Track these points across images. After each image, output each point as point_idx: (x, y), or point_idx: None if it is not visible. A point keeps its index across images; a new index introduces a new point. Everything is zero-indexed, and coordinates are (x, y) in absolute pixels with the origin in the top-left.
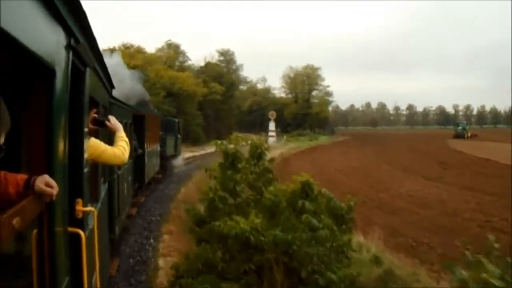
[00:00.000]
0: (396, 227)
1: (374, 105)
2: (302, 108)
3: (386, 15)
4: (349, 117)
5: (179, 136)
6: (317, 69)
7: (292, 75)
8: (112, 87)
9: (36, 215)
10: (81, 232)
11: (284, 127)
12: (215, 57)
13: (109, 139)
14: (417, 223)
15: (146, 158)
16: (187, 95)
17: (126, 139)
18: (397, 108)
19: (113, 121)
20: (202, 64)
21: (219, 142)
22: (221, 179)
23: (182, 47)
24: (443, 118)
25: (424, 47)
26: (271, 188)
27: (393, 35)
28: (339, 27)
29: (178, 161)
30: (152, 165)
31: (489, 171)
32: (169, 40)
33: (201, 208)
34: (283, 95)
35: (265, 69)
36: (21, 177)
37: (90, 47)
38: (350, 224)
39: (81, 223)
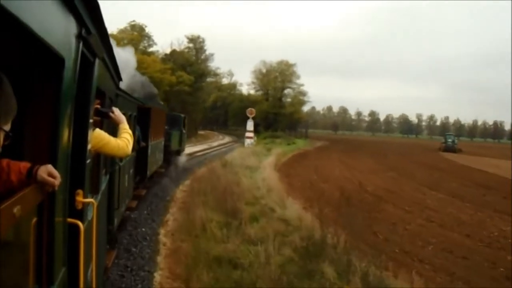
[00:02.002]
0: None
1: (335, 109)
2: (274, 107)
3: (350, 19)
4: (309, 119)
5: (184, 131)
6: (292, 65)
7: (264, 70)
8: (120, 79)
9: (37, 203)
10: (80, 224)
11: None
12: (183, 44)
13: (113, 130)
14: None
15: (149, 151)
16: (152, 82)
17: (130, 131)
18: (359, 114)
19: (117, 113)
20: (169, 51)
21: None
22: None
23: (147, 30)
24: (407, 126)
25: (386, 55)
26: None
27: (355, 41)
28: (301, 28)
29: (182, 157)
30: (155, 159)
31: None
32: (133, 20)
33: None
34: (252, 91)
35: (231, 63)
36: (24, 165)
37: (100, 37)
38: None
39: (80, 214)
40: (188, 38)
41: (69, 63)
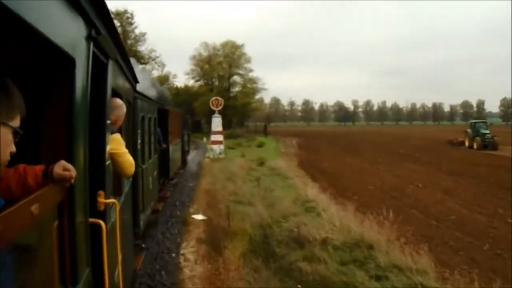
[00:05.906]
0: None
1: (267, 100)
2: (222, 99)
3: (272, 9)
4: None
5: (189, 131)
6: (239, 46)
7: (206, 54)
8: (136, 81)
9: (56, 203)
10: (102, 223)
11: (196, 126)
12: None
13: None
14: None
15: (170, 153)
16: None
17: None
18: (292, 103)
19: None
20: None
21: None
22: None
23: None
24: (343, 114)
25: (312, 43)
26: None
27: (279, 30)
28: (223, 19)
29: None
30: (175, 160)
31: None
32: None
33: None
34: (191, 82)
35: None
36: (40, 168)
37: (111, 38)
38: None
39: (103, 215)
40: (112, 12)
41: (80, 63)
